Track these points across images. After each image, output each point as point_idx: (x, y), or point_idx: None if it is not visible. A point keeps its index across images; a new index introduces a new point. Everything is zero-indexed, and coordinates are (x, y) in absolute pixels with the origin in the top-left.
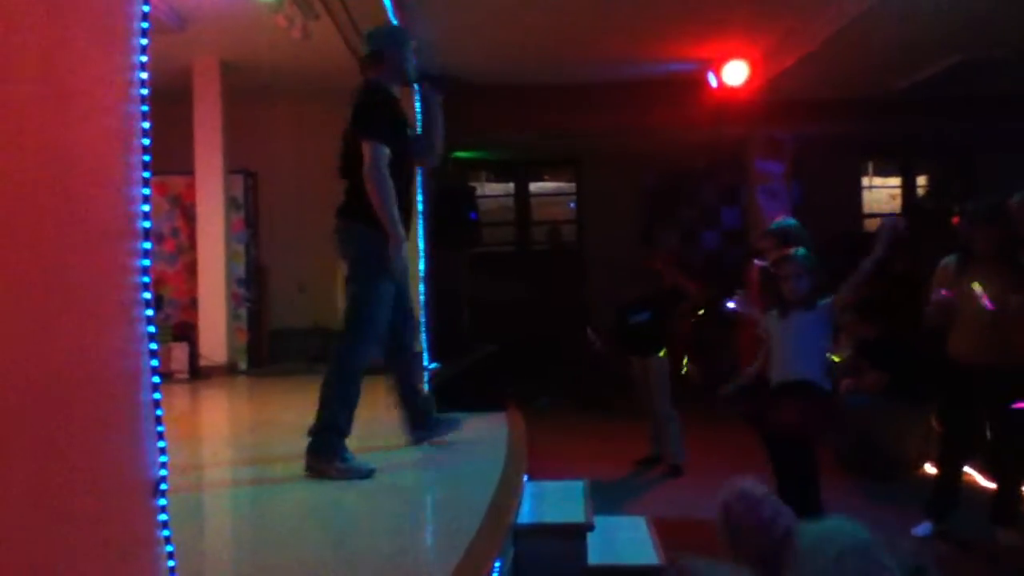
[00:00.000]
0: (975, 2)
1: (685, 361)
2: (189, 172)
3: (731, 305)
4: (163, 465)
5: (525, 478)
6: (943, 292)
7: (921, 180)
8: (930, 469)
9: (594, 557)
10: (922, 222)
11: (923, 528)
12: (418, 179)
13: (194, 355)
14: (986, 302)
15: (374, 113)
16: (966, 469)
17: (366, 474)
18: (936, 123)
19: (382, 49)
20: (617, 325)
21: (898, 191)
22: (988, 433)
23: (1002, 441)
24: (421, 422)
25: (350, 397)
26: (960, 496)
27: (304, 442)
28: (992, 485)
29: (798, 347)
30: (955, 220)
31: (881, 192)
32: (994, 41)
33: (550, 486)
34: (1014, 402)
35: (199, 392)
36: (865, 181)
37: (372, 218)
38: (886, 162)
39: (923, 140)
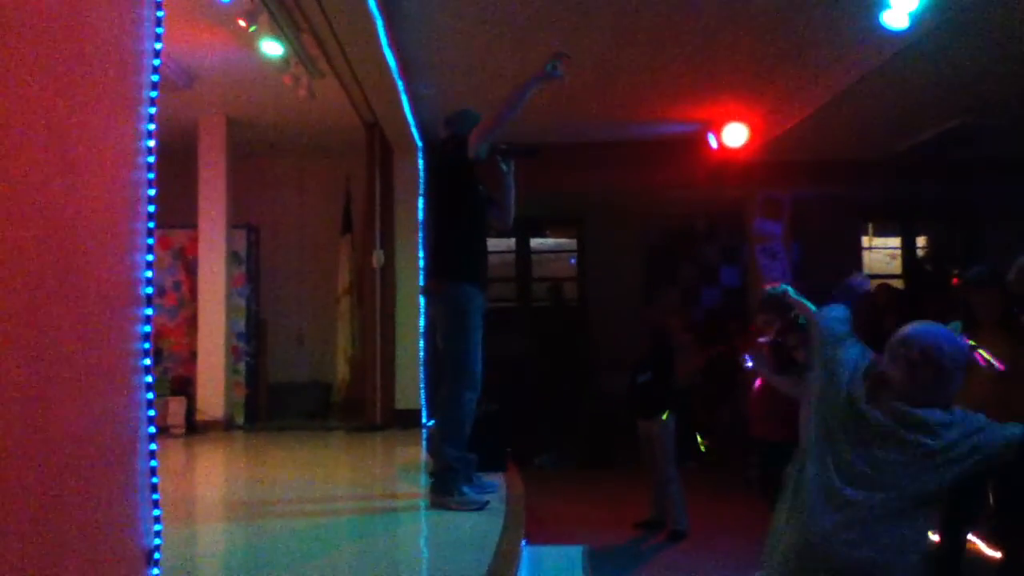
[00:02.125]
0: (971, 69)
1: (701, 440)
2: (192, 226)
3: (748, 364)
4: (157, 534)
5: (523, 543)
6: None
7: (921, 241)
8: (931, 536)
9: None
10: (922, 284)
11: None
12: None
13: (191, 410)
14: (996, 363)
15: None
16: (970, 537)
17: (482, 506)
18: (935, 186)
19: (461, 132)
20: (627, 385)
21: (898, 252)
22: (991, 499)
23: (1007, 507)
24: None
25: (461, 439)
26: (963, 565)
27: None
28: (997, 554)
29: None
30: (955, 282)
31: (881, 253)
32: (991, 106)
33: (548, 551)
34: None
35: (194, 448)
36: (865, 241)
37: (463, 272)
38: (886, 223)
39: (923, 202)
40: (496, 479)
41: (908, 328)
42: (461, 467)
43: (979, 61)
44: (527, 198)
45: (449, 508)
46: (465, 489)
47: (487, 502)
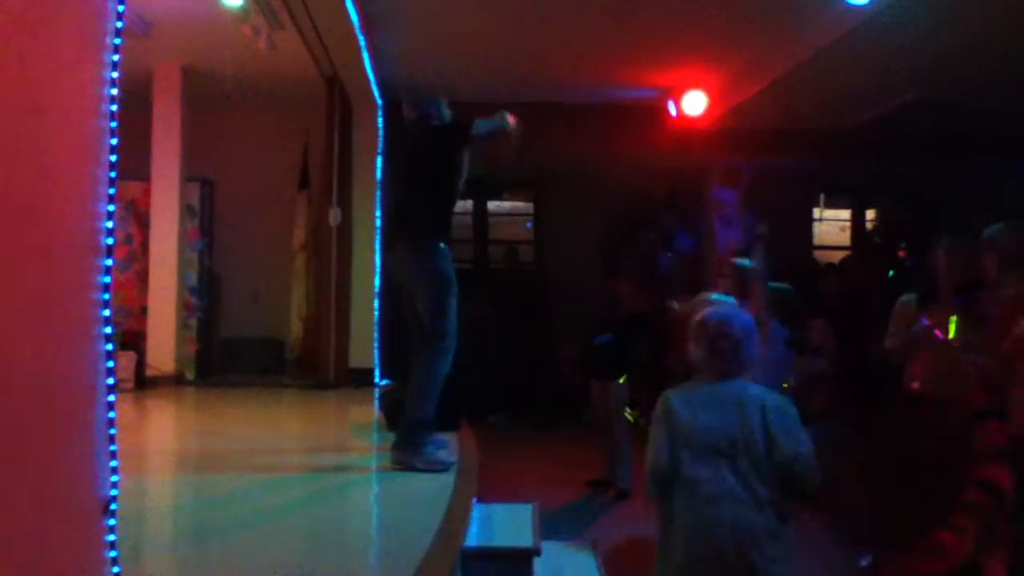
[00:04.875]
0: (930, 44)
1: (630, 411)
2: (145, 178)
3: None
4: (114, 484)
5: (475, 501)
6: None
7: (870, 215)
8: None
9: None
10: (871, 256)
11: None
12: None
13: (141, 364)
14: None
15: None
16: None
17: (447, 467)
18: (889, 160)
19: (427, 113)
20: (583, 347)
21: (848, 224)
22: None
23: None
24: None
25: (433, 399)
26: None
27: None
28: None
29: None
30: (901, 254)
31: (831, 224)
32: (949, 81)
33: (499, 509)
34: None
35: (144, 402)
36: (816, 213)
37: (443, 233)
38: (838, 195)
39: (875, 175)
40: (449, 438)
41: (703, 312)
42: (429, 425)
43: (937, 36)
44: (485, 159)
45: (415, 468)
46: (431, 449)
47: (453, 463)
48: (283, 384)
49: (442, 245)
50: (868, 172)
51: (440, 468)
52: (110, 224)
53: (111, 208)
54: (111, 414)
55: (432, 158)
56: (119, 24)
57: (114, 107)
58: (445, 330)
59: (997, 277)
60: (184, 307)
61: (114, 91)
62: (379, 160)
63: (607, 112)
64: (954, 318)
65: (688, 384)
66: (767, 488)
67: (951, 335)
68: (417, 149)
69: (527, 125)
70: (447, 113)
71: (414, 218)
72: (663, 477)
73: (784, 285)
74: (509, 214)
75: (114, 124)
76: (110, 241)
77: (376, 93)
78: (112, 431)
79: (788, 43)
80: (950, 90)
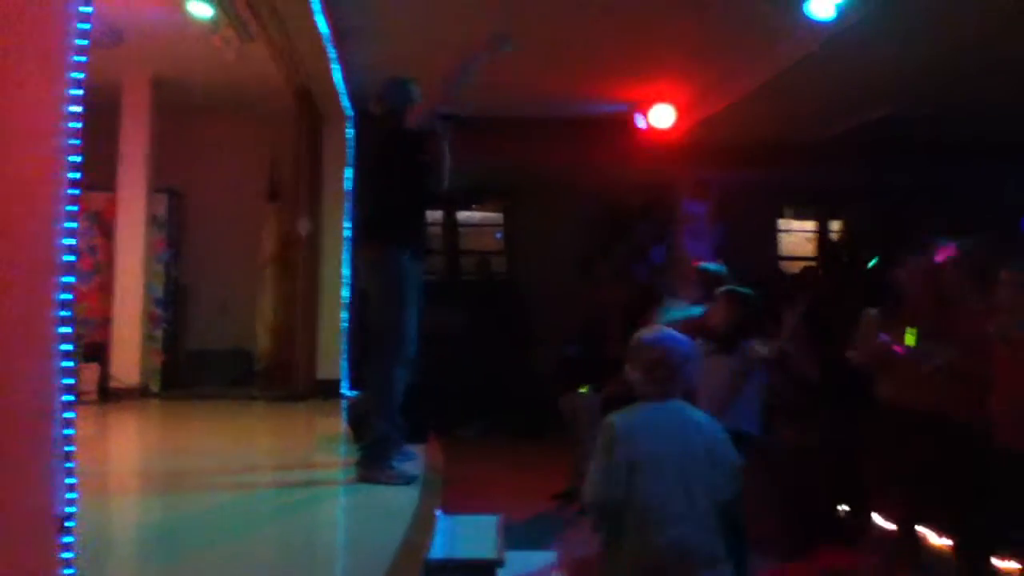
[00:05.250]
0: (896, 59)
1: None
2: (111, 189)
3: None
4: (71, 502)
5: (439, 513)
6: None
7: (835, 226)
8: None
9: None
10: (836, 266)
11: None
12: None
13: (105, 376)
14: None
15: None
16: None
17: (411, 480)
18: (856, 173)
19: (395, 106)
20: (556, 359)
21: (814, 235)
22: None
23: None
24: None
25: (392, 412)
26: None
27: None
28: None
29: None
30: (867, 266)
31: (798, 236)
32: (916, 96)
33: (464, 521)
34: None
35: (107, 416)
36: (783, 224)
37: (399, 240)
38: (804, 207)
39: (842, 188)
40: (416, 450)
41: (641, 335)
42: (392, 441)
43: (904, 52)
44: (456, 170)
45: (379, 482)
46: (394, 463)
47: (417, 476)
48: (251, 396)
49: (405, 255)
50: (834, 184)
51: (404, 481)
52: (72, 241)
53: (73, 225)
54: (69, 431)
55: (381, 149)
56: (83, 41)
57: (77, 124)
58: (398, 344)
59: (960, 291)
60: (149, 319)
61: (77, 108)
62: (348, 171)
63: (577, 125)
64: (911, 330)
65: (630, 408)
66: (712, 511)
67: (911, 344)
68: (381, 151)
69: (498, 135)
70: (417, 92)
71: (371, 220)
72: (615, 509)
73: (747, 289)
74: (479, 224)
75: (77, 141)
76: (71, 259)
77: (346, 104)
78: (70, 448)
79: (756, 59)
80: (919, 106)
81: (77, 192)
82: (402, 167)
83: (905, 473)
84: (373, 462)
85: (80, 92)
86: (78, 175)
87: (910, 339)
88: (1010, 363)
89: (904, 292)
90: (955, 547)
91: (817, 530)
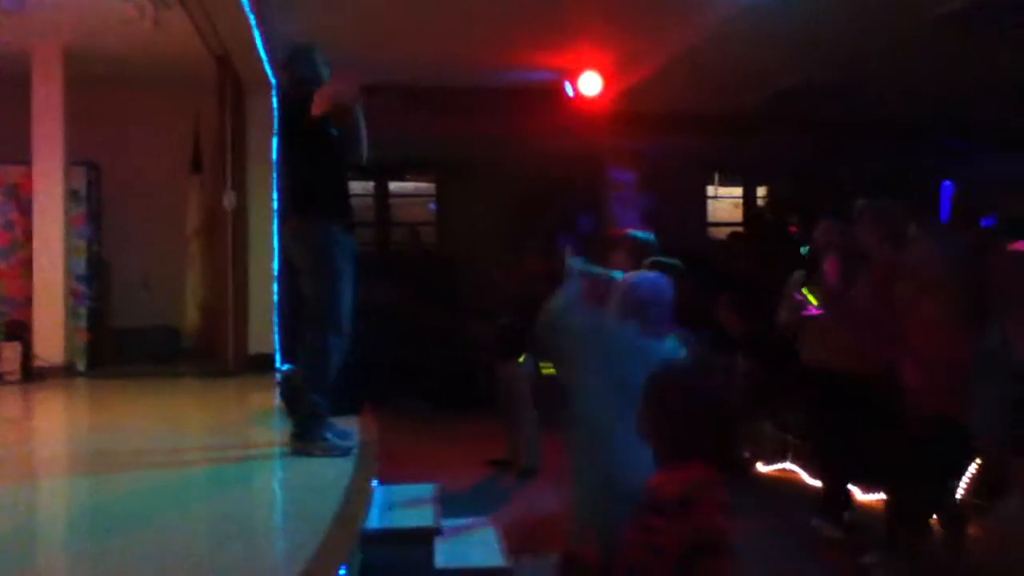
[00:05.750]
0: (813, 28)
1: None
2: (27, 162)
3: None
4: None
5: (375, 483)
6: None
7: (761, 191)
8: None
9: (441, 560)
10: (762, 231)
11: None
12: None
13: (28, 355)
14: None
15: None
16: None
17: (347, 451)
18: (778, 140)
19: (302, 75)
20: (491, 330)
21: (740, 201)
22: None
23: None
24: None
25: (326, 385)
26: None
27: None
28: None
29: None
30: (792, 229)
31: (725, 202)
32: (832, 64)
33: (400, 491)
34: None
35: (31, 395)
36: (711, 191)
37: (330, 211)
38: (731, 174)
39: (766, 154)
40: (350, 421)
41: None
42: (325, 414)
43: (820, 21)
44: (385, 140)
45: (313, 455)
46: (328, 435)
47: (352, 447)
48: (179, 373)
49: (333, 227)
50: (759, 152)
51: (338, 453)
52: None
53: None
54: None
55: (294, 123)
56: None
57: None
58: (331, 316)
59: (879, 248)
60: (72, 295)
61: None
62: (273, 141)
63: (507, 94)
64: (806, 288)
65: None
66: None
67: (814, 303)
68: (291, 126)
69: (429, 106)
70: (322, 63)
71: (297, 192)
72: None
73: (674, 260)
74: (412, 195)
75: None
76: None
77: (269, 72)
78: None
79: (677, 25)
80: (831, 74)
81: None
82: (315, 140)
83: (826, 432)
84: (308, 435)
85: None
86: None
87: (813, 299)
88: (920, 327)
89: (819, 253)
90: (885, 504)
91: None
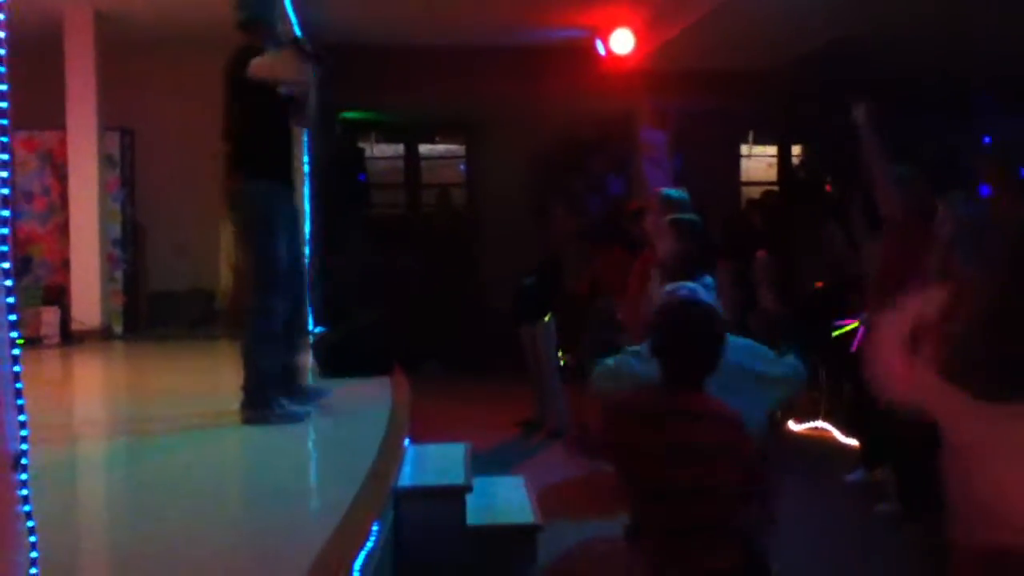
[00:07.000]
0: None
1: (562, 354)
2: (61, 127)
3: None
4: (24, 439)
5: (407, 442)
6: None
7: (796, 150)
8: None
9: (473, 518)
10: (797, 191)
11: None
12: (304, 140)
13: (66, 319)
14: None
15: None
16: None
17: (301, 417)
18: (814, 98)
19: (255, 16)
20: (515, 291)
21: (775, 160)
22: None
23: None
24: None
25: (274, 351)
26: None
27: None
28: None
29: None
30: (828, 188)
31: (760, 161)
32: (871, 23)
33: (432, 450)
34: None
35: (70, 358)
36: (744, 149)
37: (264, 172)
38: (765, 132)
39: (800, 113)
40: (375, 383)
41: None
42: (275, 378)
43: None
44: (416, 102)
45: (268, 422)
46: (283, 400)
47: (308, 412)
48: (213, 336)
49: (265, 185)
50: (794, 111)
51: (295, 419)
52: (4, 174)
53: (4, 157)
54: (17, 368)
55: (253, 89)
56: None
57: (1, 51)
58: (267, 275)
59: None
60: (108, 260)
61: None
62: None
63: (537, 54)
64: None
65: None
66: None
67: None
68: (235, 73)
69: (458, 67)
70: (277, 18)
71: (241, 158)
72: None
73: (692, 216)
74: (442, 157)
75: (1, 69)
76: (5, 191)
77: (298, 33)
78: (19, 385)
79: None
80: (875, 32)
81: (5, 123)
82: (259, 96)
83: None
84: (256, 402)
85: (2, 17)
86: (5, 104)
87: None
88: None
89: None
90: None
91: None
